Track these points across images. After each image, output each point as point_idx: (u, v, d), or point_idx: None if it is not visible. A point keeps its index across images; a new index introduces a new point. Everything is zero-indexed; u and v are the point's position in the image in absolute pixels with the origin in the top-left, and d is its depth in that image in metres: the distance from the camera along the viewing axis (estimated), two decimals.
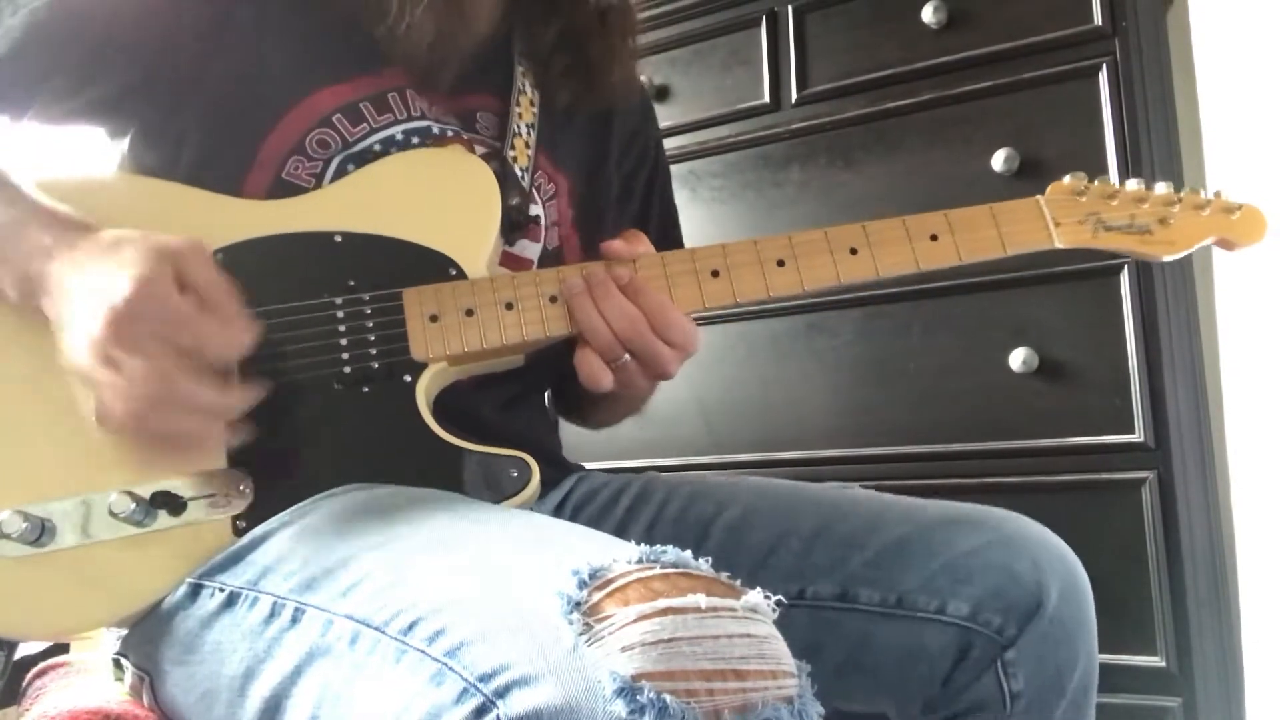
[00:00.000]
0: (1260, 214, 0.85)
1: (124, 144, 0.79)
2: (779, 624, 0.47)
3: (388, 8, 0.76)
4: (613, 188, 0.94)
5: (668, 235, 1.01)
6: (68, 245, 0.64)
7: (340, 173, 0.76)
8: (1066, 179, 0.83)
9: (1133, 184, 0.83)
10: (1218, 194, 0.84)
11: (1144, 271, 1.26)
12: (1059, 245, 0.81)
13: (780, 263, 0.76)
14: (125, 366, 0.58)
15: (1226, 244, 0.85)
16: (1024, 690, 0.72)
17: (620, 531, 0.83)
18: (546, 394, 0.97)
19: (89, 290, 0.60)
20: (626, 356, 0.72)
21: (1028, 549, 0.74)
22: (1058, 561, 0.75)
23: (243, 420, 0.64)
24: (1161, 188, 0.83)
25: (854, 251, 0.77)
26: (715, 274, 0.76)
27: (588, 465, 0.96)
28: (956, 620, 0.73)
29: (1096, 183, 0.83)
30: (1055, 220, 0.81)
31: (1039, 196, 0.82)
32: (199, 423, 0.62)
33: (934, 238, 0.78)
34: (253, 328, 0.64)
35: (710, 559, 0.49)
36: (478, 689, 0.42)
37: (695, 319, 0.75)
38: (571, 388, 0.88)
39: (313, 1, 0.79)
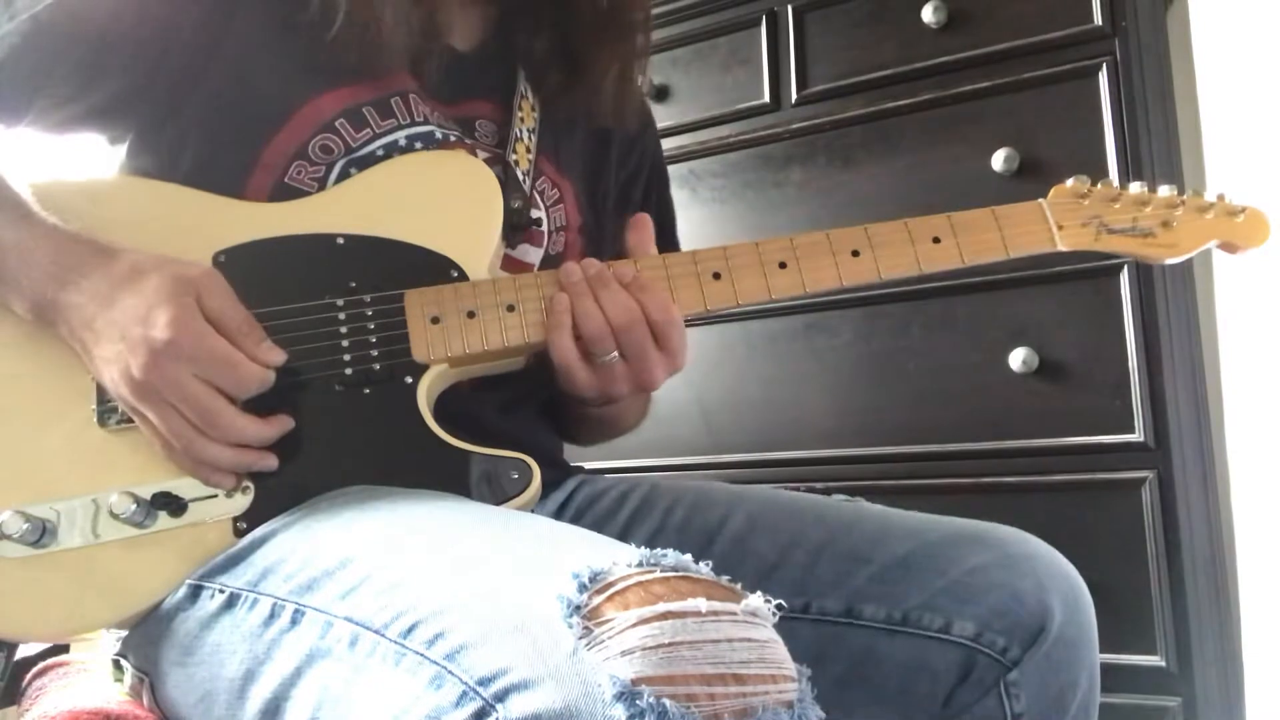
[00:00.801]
0: (1264, 217, 0.84)
1: (123, 149, 0.79)
2: (783, 636, 0.47)
3: (358, 19, 0.76)
4: (611, 196, 0.94)
5: (666, 241, 1.00)
6: (79, 273, 0.65)
7: (343, 177, 0.76)
8: (1069, 181, 0.83)
9: (1135, 186, 0.83)
10: (1221, 197, 0.84)
11: (1144, 272, 1.26)
12: (1061, 248, 0.80)
13: (782, 264, 0.76)
14: (168, 404, 0.63)
15: (1230, 247, 0.85)
16: (1026, 711, 0.72)
17: (623, 537, 0.82)
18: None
19: (121, 327, 0.63)
20: (614, 355, 0.72)
21: (1032, 569, 0.74)
22: (1062, 581, 0.74)
23: (271, 448, 0.67)
24: (1165, 190, 0.83)
25: (856, 254, 0.77)
26: (717, 276, 0.76)
27: (588, 466, 0.96)
28: (961, 640, 0.72)
29: (1099, 185, 0.83)
30: (1058, 223, 0.81)
31: (1041, 199, 0.82)
32: (239, 453, 0.65)
33: (936, 240, 0.78)
34: (278, 352, 0.67)
35: (711, 564, 0.49)
36: (477, 692, 0.42)
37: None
38: (559, 405, 0.88)
39: (311, 7, 0.79)
